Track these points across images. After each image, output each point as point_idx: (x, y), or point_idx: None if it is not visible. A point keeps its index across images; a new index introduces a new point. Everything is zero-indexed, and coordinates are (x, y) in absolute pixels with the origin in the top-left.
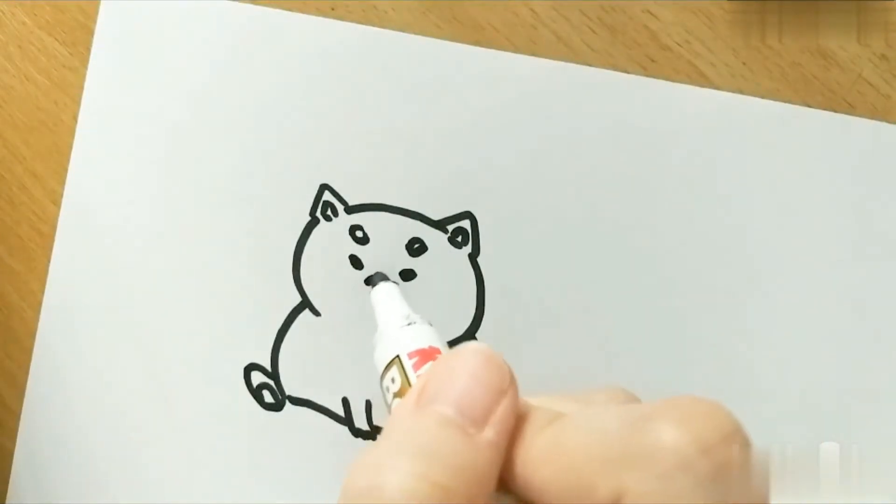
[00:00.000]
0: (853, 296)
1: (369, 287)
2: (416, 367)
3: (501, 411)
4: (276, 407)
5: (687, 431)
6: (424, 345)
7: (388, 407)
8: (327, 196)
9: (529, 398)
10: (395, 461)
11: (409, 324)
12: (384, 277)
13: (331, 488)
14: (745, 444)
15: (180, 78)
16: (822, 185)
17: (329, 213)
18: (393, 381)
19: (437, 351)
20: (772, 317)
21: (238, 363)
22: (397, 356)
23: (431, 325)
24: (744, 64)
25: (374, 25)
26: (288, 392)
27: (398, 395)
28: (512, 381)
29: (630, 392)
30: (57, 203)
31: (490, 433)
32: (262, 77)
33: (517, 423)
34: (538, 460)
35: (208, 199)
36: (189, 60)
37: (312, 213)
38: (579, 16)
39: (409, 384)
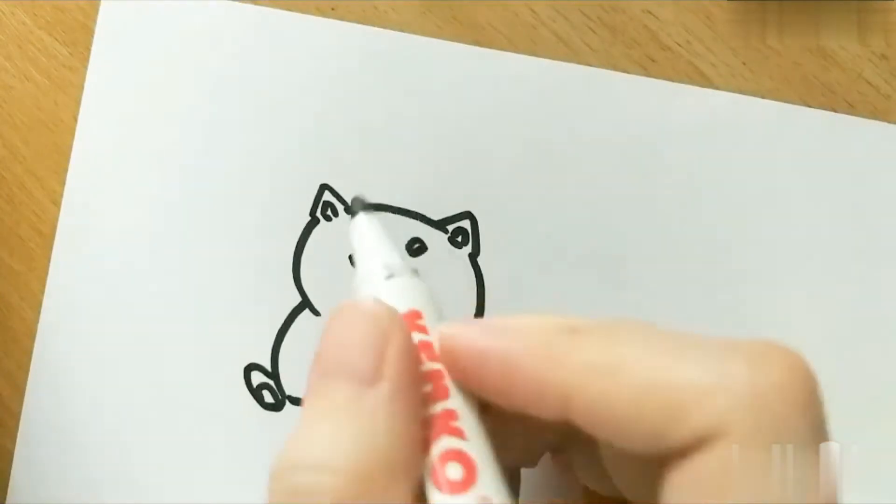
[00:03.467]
0: (853, 296)
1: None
2: None
3: (391, 358)
4: (276, 407)
5: (786, 367)
6: (404, 308)
7: None
8: (327, 196)
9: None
10: (307, 431)
11: (389, 275)
12: (365, 206)
13: None
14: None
15: (180, 78)
16: (822, 185)
17: (329, 213)
18: None
19: (418, 315)
20: (771, 316)
21: (238, 363)
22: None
23: (416, 273)
24: (744, 64)
25: (374, 25)
26: (288, 392)
27: None
28: (393, 321)
29: (561, 314)
30: (57, 203)
31: (385, 386)
32: (262, 77)
33: (493, 333)
34: (590, 375)
35: (208, 199)
36: (189, 60)
37: (312, 213)
38: (579, 16)
39: None
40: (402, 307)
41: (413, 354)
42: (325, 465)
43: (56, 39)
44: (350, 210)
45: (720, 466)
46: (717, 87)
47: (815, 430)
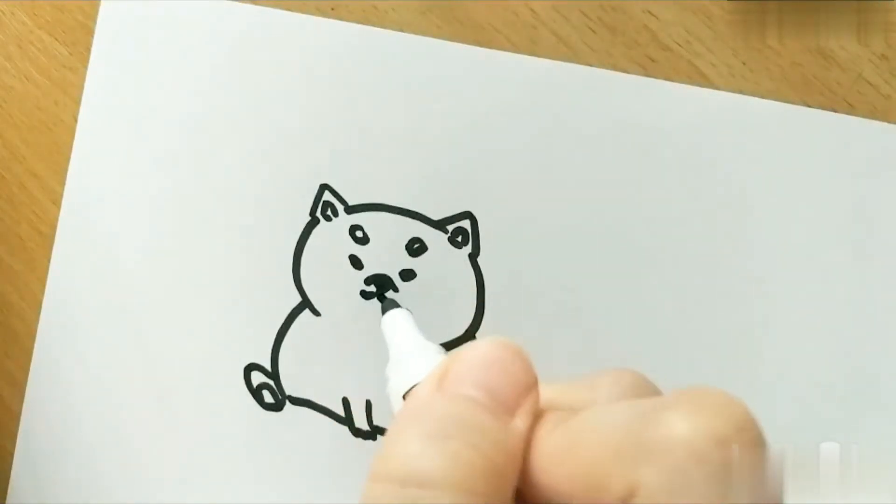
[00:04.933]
0: (853, 295)
1: (369, 286)
2: None
3: (529, 404)
4: (276, 407)
5: (700, 423)
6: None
7: None
8: (327, 196)
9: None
10: (431, 431)
11: (421, 350)
12: (395, 304)
13: (331, 488)
14: (760, 437)
15: (180, 78)
16: (822, 185)
17: (329, 213)
18: None
19: None
20: (772, 316)
21: (238, 363)
22: (413, 386)
23: (446, 352)
24: (744, 64)
25: (374, 25)
26: (288, 392)
27: None
28: (536, 381)
29: (638, 372)
30: (57, 203)
31: (520, 422)
32: (262, 77)
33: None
34: (552, 460)
35: (208, 199)
36: (189, 60)
37: (312, 213)
38: (579, 16)
39: None
40: None
41: (538, 412)
42: (459, 486)
43: (56, 39)
44: (383, 308)
45: None
46: (717, 87)
47: (716, 480)
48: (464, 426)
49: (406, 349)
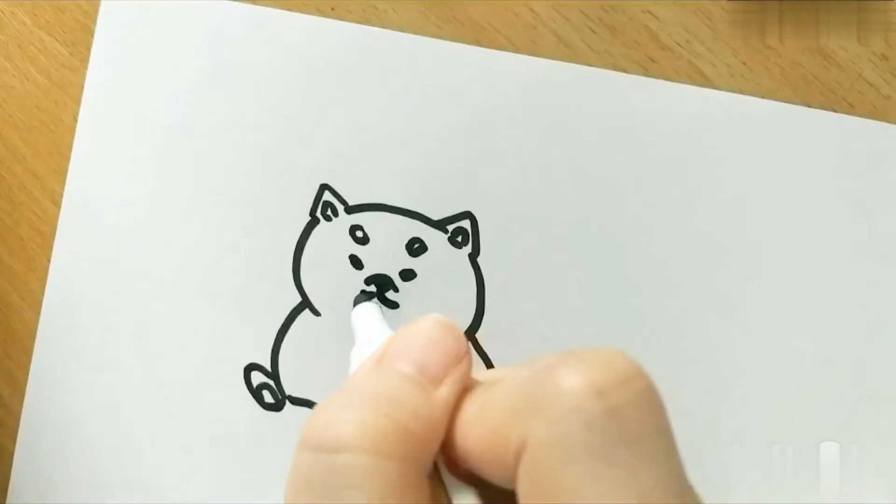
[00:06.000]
0: (853, 295)
1: (369, 286)
2: None
3: (456, 374)
4: (276, 407)
5: (583, 377)
6: None
7: None
8: (327, 196)
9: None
10: (354, 402)
11: (384, 335)
12: (366, 298)
13: None
14: (647, 387)
15: (180, 78)
16: (822, 185)
17: (329, 213)
18: None
19: None
20: (772, 316)
21: (238, 363)
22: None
23: None
24: (744, 64)
25: (374, 25)
26: (288, 392)
27: None
28: (467, 352)
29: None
30: (57, 203)
31: (444, 391)
32: (262, 77)
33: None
34: (467, 425)
35: (208, 199)
36: (189, 60)
37: (312, 213)
38: (579, 16)
39: None
40: None
41: (467, 384)
42: (371, 450)
43: (56, 39)
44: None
45: (523, 476)
46: (717, 87)
47: (595, 430)
48: (383, 397)
49: (367, 336)
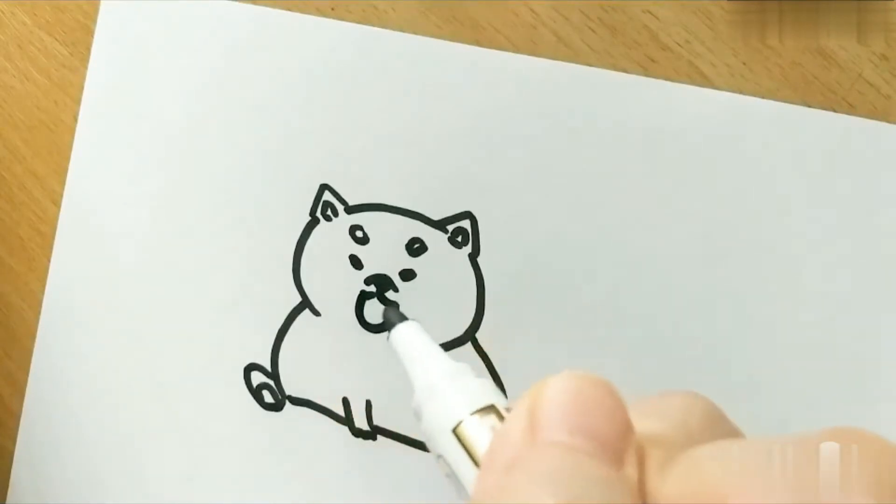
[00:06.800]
0: (853, 295)
1: (369, 286)
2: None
3: (634, 448)
4: (276, 407)
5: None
6: (484, 402)
7: (459, 483)
8: (327, 196)
9: None
10: (529, 489)
11: (455, 374)
12: (400, 316)
13: (331, 488)
14: None
15: (180, 78)
16: (822, 185)
17: (329, 213)
18: (459, 450)
19: (497, 408)
20: (772, 316)
21: (238, 363)
22: (461, 421)
23: (473, 372)
24: (744, 64)
25: (374, 25)
26: (288, 392)
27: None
28: (630, 420)
29: (705, 398)
30: (57, 203)
31: (631, 471)
32: (262, 77)
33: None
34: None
35: (208, 198)
36: (189, 60)
37: (312, 213)
38: (579, 16)
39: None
40: (484, 401)
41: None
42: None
43: (56, 39)
44: (386, 322)
45: None
46: (717, 87)
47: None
48: (586, 482)
49: (434, 375)
